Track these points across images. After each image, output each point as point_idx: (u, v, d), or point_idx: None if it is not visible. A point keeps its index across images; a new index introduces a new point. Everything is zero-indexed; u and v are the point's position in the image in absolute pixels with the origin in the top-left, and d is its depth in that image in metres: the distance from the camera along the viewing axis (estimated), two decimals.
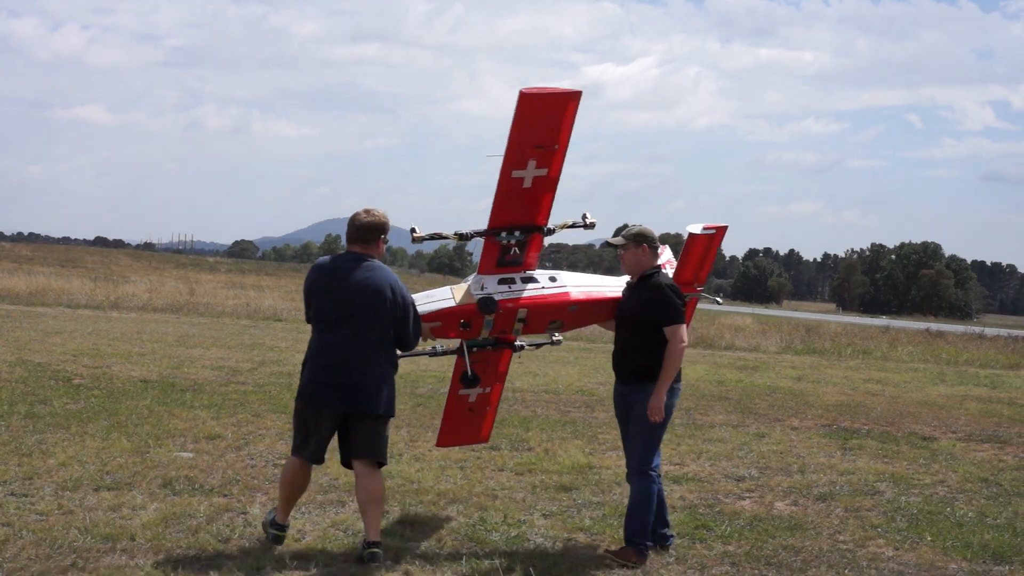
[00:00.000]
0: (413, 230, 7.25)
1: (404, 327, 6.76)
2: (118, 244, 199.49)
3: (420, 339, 7.00)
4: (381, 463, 6.82)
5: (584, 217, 7.46)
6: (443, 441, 8.56)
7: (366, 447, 6.73)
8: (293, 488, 6.87)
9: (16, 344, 18.25)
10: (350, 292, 6.66)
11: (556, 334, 7.87)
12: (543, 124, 6.62)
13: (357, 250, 6.85)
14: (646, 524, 6.96)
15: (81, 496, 7.74)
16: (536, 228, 7.24)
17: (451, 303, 7.25)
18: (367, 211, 6.89)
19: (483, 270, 7.39)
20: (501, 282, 7.32)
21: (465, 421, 8.34)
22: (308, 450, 6.82)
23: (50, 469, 8.53)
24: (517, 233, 7.21)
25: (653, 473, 7.05)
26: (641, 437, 7.05)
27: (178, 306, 34.23)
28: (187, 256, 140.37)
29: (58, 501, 7.56)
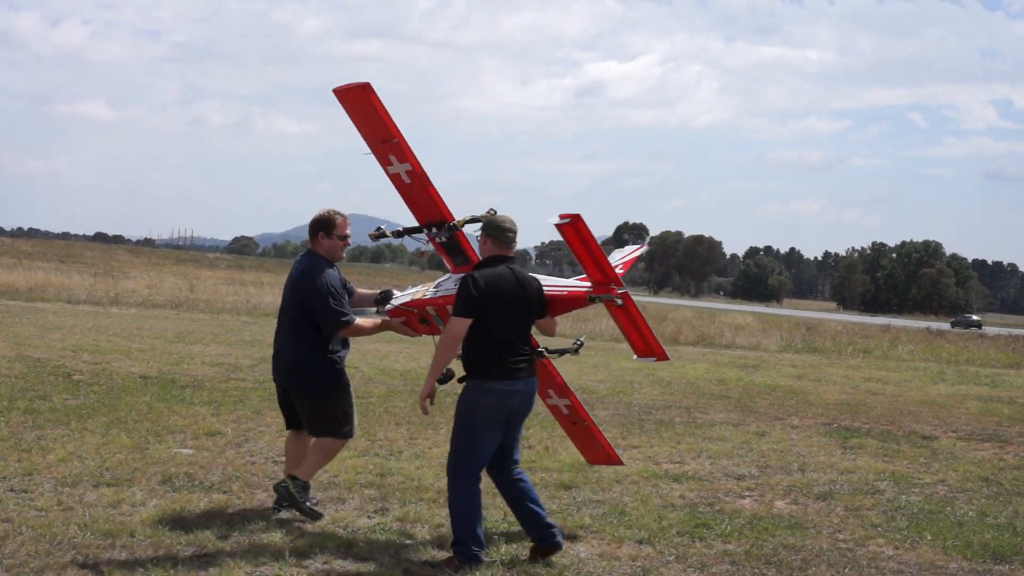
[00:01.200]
0: (378, 229, 7.58)
1: (317, 313, 7.32)
2: (118, 240, 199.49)
3: (343, 327, 7.31)
4: (316, 435, 7.48)
5: (490, 211, 7.11)
6: (587, 458, 8.84)
7: (305, 420, 7.56)
8: (288, 454, 7.83)
9: (16, 340, 18.24)
10: (286, 284, 7.65)
11: (580, 338, 7.68)
12: (368, 119, 6.92)
13: (309, 247, 7.67)
14: (463, 531, 6.52)
15: (81, 492, 7.73)
16: (445, 223, 7.29)
17: (407, 298, 7.46)
18: (320, 211, 7.58)
19: (451, 269, 7.56)
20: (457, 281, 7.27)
21: (584, 436, 8.31)
22: (284, 419, 7.88)
23: (50, 465, 8.52)
24: (434, 230, 7.34)
25: (461, 480, 6.60)
26: (451, 437, 6.79)
27: (178, 302, 34.23)
28: (187, 252, 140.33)
29: (58, 497, 7.54)
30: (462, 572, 6.41)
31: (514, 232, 6.83)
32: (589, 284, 7.07)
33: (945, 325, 78.57)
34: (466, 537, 6.53)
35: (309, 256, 7.54)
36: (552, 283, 7.10)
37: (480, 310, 6.53)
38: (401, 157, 7.03)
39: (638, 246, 8.53)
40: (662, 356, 7.30)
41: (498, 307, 6.58)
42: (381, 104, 6.82)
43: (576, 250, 6.87)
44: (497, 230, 6.78)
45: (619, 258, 8.15)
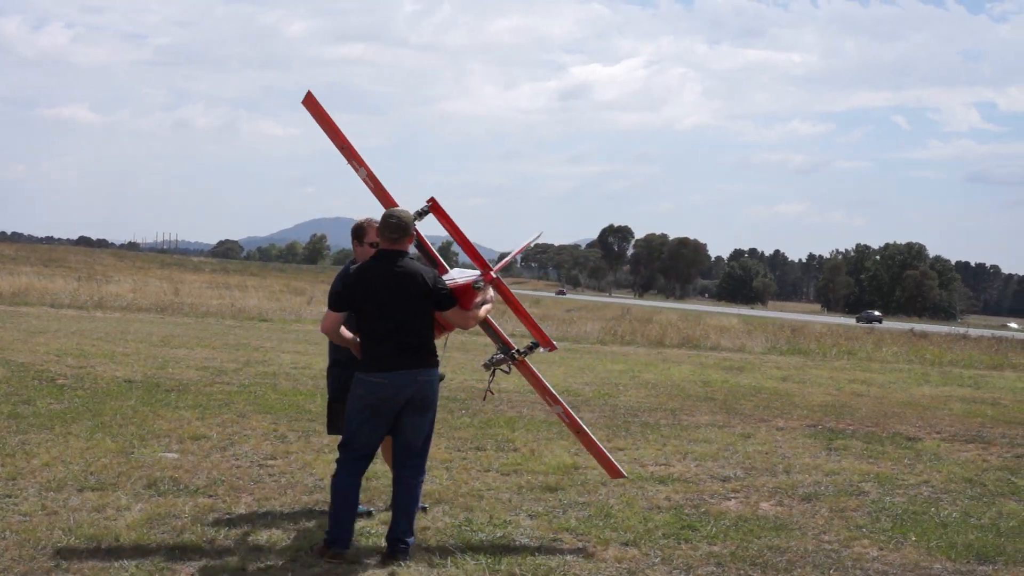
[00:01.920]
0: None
1: None
2: (102, 244, 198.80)
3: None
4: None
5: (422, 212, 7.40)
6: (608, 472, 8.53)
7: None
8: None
9: None
10: None
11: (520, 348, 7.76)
12: (325, 127, 7.39)
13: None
14: (330, 514, 6.71)
15: (65, 497, 7.70)
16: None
17: None
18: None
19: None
20: None
21: (591, 445, 8.23)
22: None
23: (34, 470, 8.49)
24: None
25: (338, 464, 6.81)
26: None
27: (162, 306, 34.13)
28: (171, 256, 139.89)
29: (42, 502, 7.51)
30: (327, 556, 6.59)
31: (395, 222, 6.76)
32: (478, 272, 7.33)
33: (929, 326, 79.05)
34: (331, 521, 6.69)
35: (347, 263, 7.56)
36: (451, 276, 7.22)
37: (346, 304, 6.75)
38: (358, 162, 7.36)
39: (535, 236, 9.07)
40: (548, 345, 7.80)
41: (367, 301, 6.69)
42: (325, 112, 7.22)
43: (450, 233, 7.56)
44: (389, 227, 6.79)
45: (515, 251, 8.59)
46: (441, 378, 7.03)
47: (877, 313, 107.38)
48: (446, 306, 6.82)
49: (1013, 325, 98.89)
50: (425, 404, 6.83)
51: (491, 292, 7.34)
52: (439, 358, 7.01)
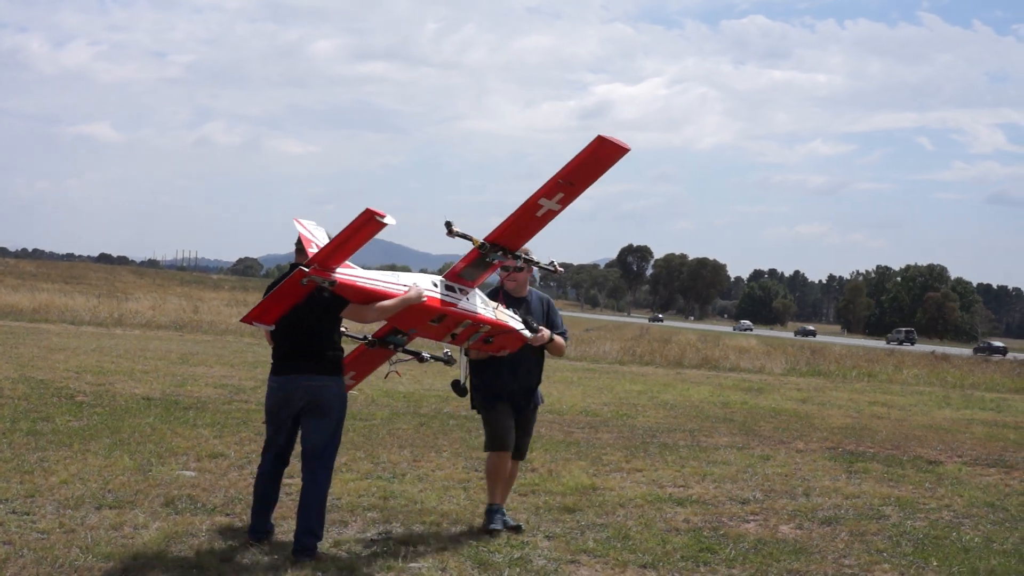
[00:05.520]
0: (449, 224, 7.24)
1: None
2: (122, 261, 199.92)
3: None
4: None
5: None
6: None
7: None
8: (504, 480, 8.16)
9: (19, 361, 18.25)
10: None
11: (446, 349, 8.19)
12: (595, 167, 6.92)
13: None
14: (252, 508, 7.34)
15: (83, 514, 7.70)
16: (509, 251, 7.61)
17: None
18: None
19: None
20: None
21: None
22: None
23: (52, 487, 8.50)
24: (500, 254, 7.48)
25: (262, 460, 7.33)
26: None
27: (181, 323, 34.25)
28: (191, 273, 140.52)
29: (60, 519, 7.52)
30: (250, 548, 7.06)
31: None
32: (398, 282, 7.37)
33: (951, 349, 78.53)
34: (252, 513, 7.29)
35: None
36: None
37: None
38: (564, 201, 7.11)
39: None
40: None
41: None
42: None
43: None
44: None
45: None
46: (465, 391, 7.51)
47: (909, 330, 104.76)
48: (338, 308, 7.02)
49: (999, 344, 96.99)
50: (321, 410, 7.06)
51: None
52: (459, 369, 7.56)
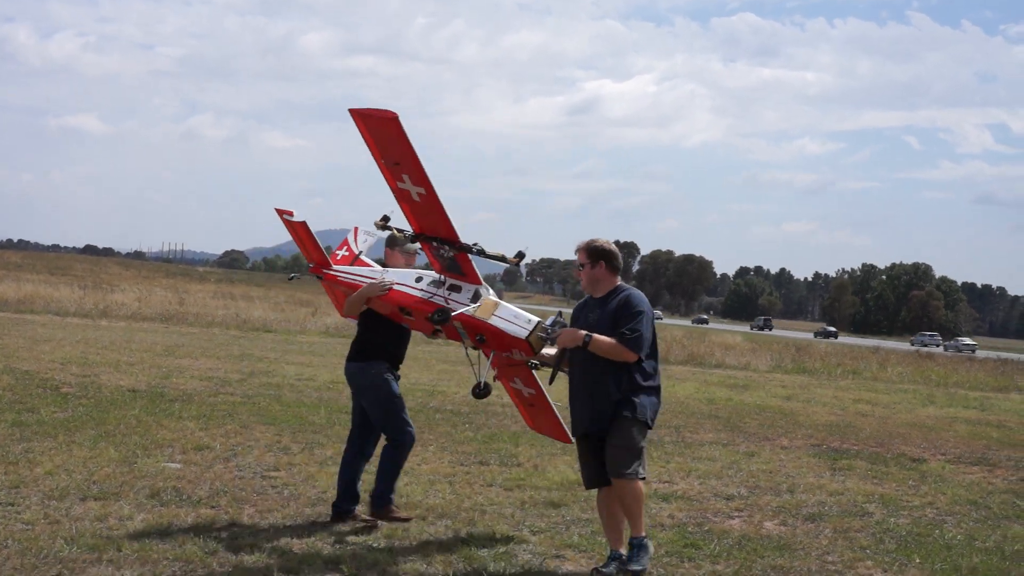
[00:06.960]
0: (384, 217, 7.73)
1: None
2: (108, 252, 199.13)
3: None
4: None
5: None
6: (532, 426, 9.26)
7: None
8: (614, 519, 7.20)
9: (4, 352, 18.18)
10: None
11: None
12: (388, 144, 7.00)
13: None
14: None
15: (68, 506, 7.69)
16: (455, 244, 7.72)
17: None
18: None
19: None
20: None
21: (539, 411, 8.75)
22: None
23: (37, 478, 8.48)
24: (445, 248, 7.63)
25: None
26: None
27: (167, 315, 34.17)
28: (177, 265, 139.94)
29: (44, 510, 7.50)
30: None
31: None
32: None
33: (935, 348, 78.82)
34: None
35: None
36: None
37: None
38: (416, 180, 7.12)
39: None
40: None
41: None
42: (405, 135, 6.88)
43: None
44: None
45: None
46: (485, 392, 7.54)
47: (969, 341, 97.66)
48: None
49: (967, 341, 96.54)
50: (357, 391, 7.97)
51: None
52: (481, 371, 7.59)
